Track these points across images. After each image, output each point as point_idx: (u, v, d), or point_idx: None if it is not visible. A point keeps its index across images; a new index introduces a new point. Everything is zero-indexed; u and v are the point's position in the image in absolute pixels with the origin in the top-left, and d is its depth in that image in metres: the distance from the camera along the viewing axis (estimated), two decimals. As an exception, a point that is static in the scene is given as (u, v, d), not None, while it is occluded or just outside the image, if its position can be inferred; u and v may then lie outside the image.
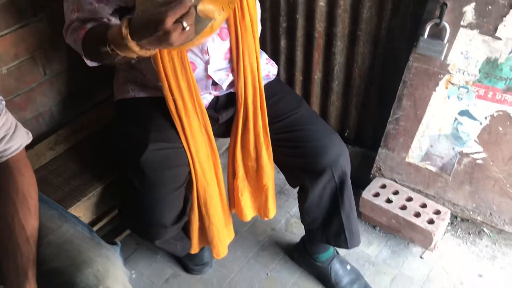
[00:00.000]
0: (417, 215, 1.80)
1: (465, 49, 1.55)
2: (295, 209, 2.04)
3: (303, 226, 1.72)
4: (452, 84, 1.63)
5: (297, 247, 1.85)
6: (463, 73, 1.59)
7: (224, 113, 1.48)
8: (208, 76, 1.40)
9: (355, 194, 1.60)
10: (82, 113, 1.71)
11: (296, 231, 1.96)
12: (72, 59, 1.61)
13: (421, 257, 1.85)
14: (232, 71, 1.42)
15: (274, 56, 2.01)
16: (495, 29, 1.48)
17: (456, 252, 1.85)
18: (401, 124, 1.80)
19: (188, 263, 1.82)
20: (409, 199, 1.86)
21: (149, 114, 1.42)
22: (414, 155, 1.84)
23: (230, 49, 1.38)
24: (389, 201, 1.85)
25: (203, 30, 0.97)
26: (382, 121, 1.87)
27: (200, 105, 1.38)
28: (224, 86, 1.43)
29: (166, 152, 1.38)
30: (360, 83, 1.89)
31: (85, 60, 1.27)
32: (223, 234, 1.58)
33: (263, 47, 1.99)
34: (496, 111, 1.61)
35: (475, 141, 1.69)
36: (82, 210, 1.43)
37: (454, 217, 1.93)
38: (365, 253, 1.87)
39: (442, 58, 1.59)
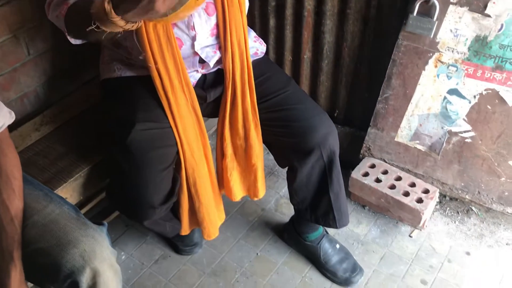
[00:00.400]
0: (406, 194, 1.81)
1: (454, 27, 1.54)
2: (284, 189, 2.04)
3: (292, 207, 1.72)
4: (442, 62, 1.62)
5: (286, 227, 1.85)
6: (452, 51, 1.59)
7: (212, 91, 1.46)
8: (195, 53, 1.38)
9: (344, 174, 1.60)
10: (68, 94, 1.68)
11: (286, 212, 1.96)
12: (57, 38, 1.57)
13: (410, 236, 1.86)
14: (220, 48, 1.40)
15: (263, 35, 1.99)
16: (485, 7, 1.47)
17: (444, 231, 1.87)
18: (391, 103, 1.79)
19: (178, 244, 1.82)
20: (398, 178, 1.87)
21: (136, 94, 1.40)
22: (403, 135, 1.84)
23: (217, 25, 1.36)
24: (378, 180, 1.85)
25: (187, 1, 0.96)
26: (371, 101, 1.87)
27: (187, 83, 1.36)
28: (212, 63, 1.41)
29: (153, 132, 1.36)
30: (349, 62, 1.88)
31: (69, 38, 1.24)
32: (213, 216, 1.58)
33: (252, 26, 1.96)
34: (485, 90, 1.61)
35: (464, 120, 1.69)
36: (69, 191, 1.42)
37: (442, 196, 1.94)
38: (354, 233, 1.88)
39: (432, 36, 1.58)
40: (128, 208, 1.46)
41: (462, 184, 1.83)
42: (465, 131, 1.71)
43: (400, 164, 1.91)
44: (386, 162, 1.93)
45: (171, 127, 1.38)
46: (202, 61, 1.41)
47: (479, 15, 1.49)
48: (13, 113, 1.15)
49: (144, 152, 1.35)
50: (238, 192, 1.64)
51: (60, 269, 1.05)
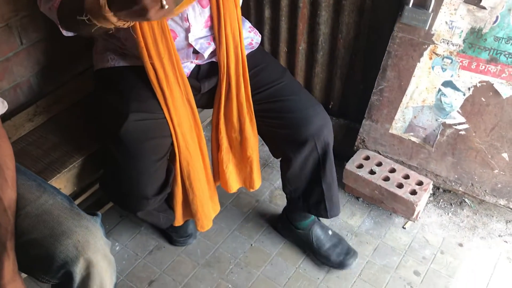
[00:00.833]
0: (400, 186, 1.81)
1: (449, 19, 1.54)
2: (279, 181, 2.03)
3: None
4: (437, 54, 1.62)
5: (280, 218, 1.85)
6: (447, 44, 1.59)
7: (206, 82, 1.46)
8: (189, 45, 1.37)
9: (339, 166, 1.61)
10: (62, 84, 1.67)
11: (280, 203, 1.96)
12: (50, 28, 1.56)
13: (403, 227, 1.87)
14: (214, 39, 1.40)
15: (258, 26, 1.98)
16: (480, -2, 1.47)
17: (437, 223, 1.88)
18: (385, 95, 1.79)
19: (172, 235, 1.82)
20: (392, 170, 1.87)
21: (129, 84, 1.39)
22: (397, 127, 1.84)
23: (211, 17, 1.36)
24: (372, 172, 1.86)
25: (182, 1, 0.95)
26: (366, 92, 1.87)
27: (182, 75, 1.36)
28: (206, 54, 1.40)
29: (147, 122, 1.36)
30: (344, 54, 1.87)
31: (61, 29, 1.23)
32: (207, 207, 1.58)
33: (247, 17, 1.95)
34: (479, 82, 1.61)
35: (458, 112, 1.70)
36: (63, 182, 1.41)
37: (436, 188, 1.95)
38: (348, 224, 1.88)
39: (427, 28, 1.58)
40: (121, 198, 1.46)
41: (456, 176, 1.84)
42: (459, 123, 1.72)
43: (394, 156, 1.91)
44: (380, 154, 1.93)
45: (165, 118, 1.37)
46: (196, 52, 1.41)
47: (475, 7, 1.49)
48: (5, 103, 1.14)
49: (138, 143, 1.35)
50: (234, 184, 1.64)
51: (54, 260, 1.05)
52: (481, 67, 1.58)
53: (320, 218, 1.77)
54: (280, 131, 1.51)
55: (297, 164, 1.53)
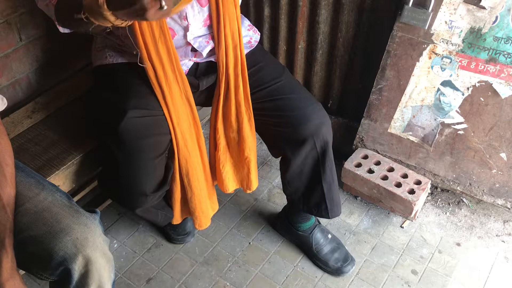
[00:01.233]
0: (398, 185, 1.82)
1: (449, 19, 1.54)
2: (277, 179, 2.04)
3: (285, 196, 1.72)
4: (436, 54, 1.62)
5: (279, 217, 1.86)
6: (446, 43, 1.59)
7: (204, 80, 1.45)
8: (188, 43, 1.37)
9: (337, 165, 1.60)
10: (61, 81, 1.67)
11: (279, 201, 1.96)
12: (49, 25, 1.56)
13: (401, 226, 1.87)
14: (213, 38, 1.39)
15: (257, 24, 1.98)
16: (480, -2, 1.47)
17: (435, 222, 1.88)
18: (384, 94, 1.79)
19: (170, 233, 1.82)
20: (391, 169, 1.87)
21: (128, 81, 1.39)
22: (396, 126, 1.84)
23: (210, 16, 1.35)
24: (370, 171, 1.86)
25: (180, 0, 0.95)
26: (365, 91, 1.87)
27: (180, 73, 1.35)
28: (204, 53, 1.40)
29: (145, 119, 1.35)
30: (344, 53, 1.87)
31: (57, 26, 1.23)
32: (205, 206, 1.58)
33: (246, 15, 1.95)
34: (478, 82, 1.61)
35: (457, 111, 1.70)
36: (62, 179, 1.41)
37: (434, 187, 1.96)
38: (346, 223, 1.89)
39: (426, 27, 1.58)
40: (120, 195, 1.45)
41: (454, 175, 1.84)
42: (457, 123, 1.72)
43: (392, 155, 1.91)
44: (378, 153, 1.93)
45: (164, 115, 1.37)
46: (194, 50, 1.40)
47: (474, 7, 1.49)
48: (5, 100, 1.14)
49: (136, 140, 1.34)
50: (230, 184, 1.63)
51: (52, 257, 1.05)
52: (480, 67, 1.58)
53: (320, 218, 1.77)
54: (279, 130, 1.51)
55: (297, 163, 1.53)
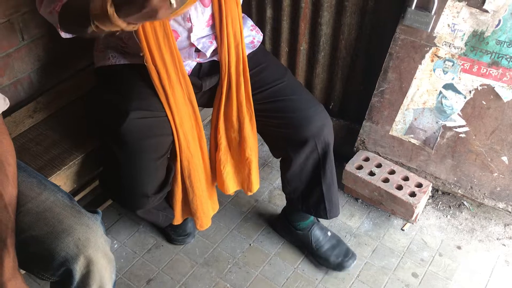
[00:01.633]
0: (399, 188, 1.82)
1: (452, 22, 1.54)
2: (278, 181, 2.04)
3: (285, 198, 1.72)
4: (438, 57, 1.62)
5: (279, 218, 1.85)
6: (449, 46, 1.59)
7: (207, 80, 1.45)
8: (191, 44, 1.37)
9: (338, 167, 1.60)
10: (62, 80, 1.67)
11: (279, 203, 1.96)
12: (52, 25, 1.53)
13: (402, 229, 1.87)
14: (216, 38, 1.39)
15: (259, 26, 1.97)
16: (483, 2, 1.47)
17: (436, 225, 1.88)
18: (386, 97, 1.79)
19: (171, 234, 1.82)
20: (392, 172, 1.87)
21: (130, 82, 1.39)
22: (398, 128, 1.84)
23: (213, 16, 1.35)
24: (371, 173, 1.86)
25: (186, 1, 0.95)
26: (367, 93, 1.87)
27: (184, 75, 1.36)
28: (208, 53, 1.40)
29: (148, 120, 1.35)
30: (346, 55, 1.87)
31: (60, 32, 1.22)
32: (206, 206, 1.58)
33: (248, 16, 1.94)
34: (480, 85, 1.61)
35: (459, 115, 1.70)
36: (63, 179, 1.41)
37: (435, 190, 1.96)
38: (347, 225, 1.88)
39: (429, 30, 1.58)
40: (121, 196, 1.45)
41: (455, 178, 1.84)
42: (459, 126, 1.72)
43: (394, 158, 1.91)
44: (380, 155, 1.93)
45: (166, 116, 1.37)
46: (197, 50, 1.40)
47: (477, 10, 1.49)
48: (7, 100, 1.14)
49: (138, 141, 1.34)
50: (231, 185, 1.63)
51: (54, 257, 1.04)
52: (483, 70, 1.58)
53: (319, 219, 1.77)
54: (280, 131, 1.51)
55: (297, 164, 1.53)
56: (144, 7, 0.89)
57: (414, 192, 1.80)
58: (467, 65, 1.59)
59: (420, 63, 1.66)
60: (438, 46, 1.60)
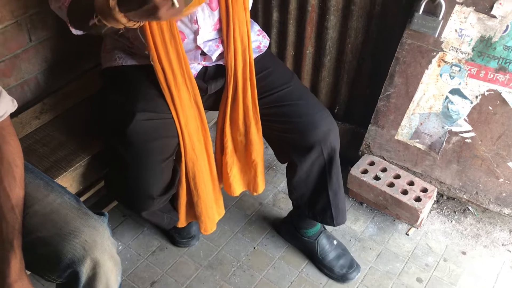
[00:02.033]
0: (404, 192, 1.81)
1: (459, 27, 1.54)
2: (283, 184, 2.04)
3: (290, 201, 1.72)
4: (445, 62, 1.62)
5: (284, 222, 1.85)
6: (456, 51, 1.58)
7: (213, 83, 1.45)
8: (197, 47, 1.37)
9: (343, 171, 1.60)
10: (69, 82, 1.67)
11: (284, 206, 1.96)
12: (59, 26, 1.56)
13: (406, 234, 1.87)
14: (222, 42, 1.39)
15: (265, 29, 1.97)
16: (491, 7, 1.47)
17: (441, 230, 1.88)
18: (392, 101, 1.79)
19: (175, 236, 1.81)
20: (397, 176, 1.87)
21: (137, 83, 1.39)
22: (403, 133, 1.84)
23: (220, 20, 1.35)
24: (377, 178, 1.86)
25: (191, 1, 0.95)
26: (372, 98, 1.87)
27: (190, 76, 1.36)
28: (214, 57, 1.40)
29: (154, 122, 1.35)
30: (352, 59, 1.87)
31: (70, 28, 1.23)
32: (211, 210, 1.57)
33: (254, 19, 1.94)
34: (487, 90, 1.61)
35: (465, 120, 1.70)
36: (69, 180, 1.41)
37: (440, 195, 1.95)
38: (352, 229, 1.88)
39: (436, 35, 1.58)
40: (126, 198, 1.45)
41: (460, 184, 1.83)
42: (465, 131, 1.72)
43: (399, 162, 1.91)
44: (385, 159, 1.93)
45: (172, 118, 1.37)
46: (203, 53, 1.40)
47: (485, 15, 1.49)
48: (15, 102, 1.14)
49: (144, 142, 1.34)
50: (237, 187, 1.63)
51: (61, 259, 1.04)
52: (490, 76, 1.58)
53: (326, 226, 1.76)
54: (286, 136, 1.51)
55: (303, 169, 1.53)
56: (145, 3, 0.89)
57: (419, 197, 1.80)
58: (474, 70, 1.59)
59: (427, 68, 1.66)
60: (445, 51, 1.60)
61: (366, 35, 1.79)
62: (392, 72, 1.73)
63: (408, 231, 1.87)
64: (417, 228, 1.88)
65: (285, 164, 1.65)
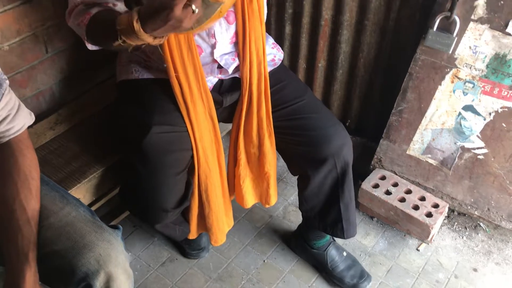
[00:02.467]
0: (416, 207, 1.81)
1: (473, 44, 1.54)
2: (293, 197, 2.04)
3: (301, 214, 1.72)
4: (459, 78, 1.62)
5: (294, 234, 1.85)
6: (470, 68, 1.58)
7: (228, 96, 1.46)
8: (214, 60, 1.38)
9: (354, 184, 1.60)
10: (84, 93, 1.68)
11: (294, 219, 1.95)
12: (75, 38, 1.57)
13: (417, 249, 1.86)
14: (238, 55, 1.40)
15: (278, 41, 1.98)
16: (506, 25, 1.47)
17: (452, 246, 1.86)
18: (404, 116, 1.79)
19: (185, 247, 1.82)
20: (408, 191, 1.86)
21: (153, 96, 1.40)
22: (415, 148, 1.83)
23: (236, 33, 1.36)
24: (388, 192, 1.85)
25: (212, 15, 0.96)
26: (384, 112, 1.87)
27: (206, 90, 1.36)
28: (230, 70, 1.41)
29: (169, 135, 1.36)
30: (364, 73, 1.87)
31: (86, 44, 1.24)
32: (222, 222, 1.58)
33: (267, 32, 1.95)
34: (501, 108, 1.60)
35: (478, 136, 1.69)
36: (82, 192, 1.42)
37: (451, 210, 1.94)
38: (362, 244, 1.87)
39: (450, 52, 1.57)
40: (140, 210, 1.46)
41: (472, 200, 1.82)
42: (478, 148, 1.71)
43: (410, 177, 1.90)
44: (396, 174, 1.92)
45: (187, 131, 1.38)
46: (220, 66, 1.41)
47: (500, 33, 1.48)
48: (33, 114, 1.15)
49: (159, 155, 1.35)
50: (250, 199, 1.64)
51: (75, 272, 1.05)
52: (504, 93, 1.57)
53: (335, 238, 1.76)
54: (299, 148, 1.51)
55: (316, 182, 1.53)
56: (168, 19, 0.91)
57: (430, 212, 1.79)
58: (488, 87, 1.59)
59: (440, 84, 1.66)
60: (459, 68, 1.60)
61: (379, 50, 1.79)
62: (405, 87, 1.73)
63: (418, 246, 1.86)
64: (428, 244, 1.87)
65: (296, 177, 1.65)
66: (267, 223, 1.95)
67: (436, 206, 1.82)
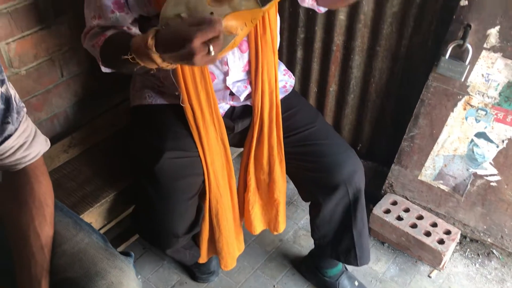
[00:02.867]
0: (427, 234, 1.79)
1: (486, 72, 1.54)
2: (303, 220, 2.03)
3: (311, 239, 1.70)
4: (471, 105, 1.62)
5: (305, 260, 1.83)
6: (482, 96, 1.58)
7: (240, 123, 1.47)
8: (226, 87, 1.40)
9: (365, 208, 1.59)
10: (97, 116, 1.70)
11: (304, 244, 1.94)
12: (90, 62, 1.60)
13: (429, 276, 1.83)
14: (250, 83, 1.41)
15: (289, 66, 2.00)
16: (519, 53, 1.47)
17: (464, 273, 1.84)
18: (416, 142, 1.79)
19: (195, 271, 1.81)
20: (420, 217, 1.85)
21: (166, 122, 1.41)
22: (427, 174, 1.83)
23: (249, 62, 1.38)
24: (399, 218, 1.84)
25: (226, 47, 0.97)
26: (395, 137, 1.86)
27: (218, 116, 1.37)
28: (242, 97, 1.42)
29: (181, 160, 1.37)
30: (376, 98, 1.88)
31: (100, 65, 1.26)
32: (232, 246, 1.57)
33: (279, 56, 1.96)
34: (514, 135, 1.60)
35: (491, 163, 1.68)
36: (95, 216, 1.42)
37: (463, 237, 1.92)
38: (373, 270, 1.86)
39: (462, 80, 1.58)
40: (152, 235, 1.46)
41: (485, 227, 1.81)
42: (490, 175, 1.70)
43: (422, 203, 1.89)
44: (408, 199, 1.91)
45: (199, 156, 1.39)
46: (232, 93, 1.42)
47: (512, 62, 1.49)
48: (48, 141, 1.16)
49: (172, 181, 1.35)
50: (258, 225, 1.63)
51: (87, 300, 1.05)
52: (517, 121, 1.57)
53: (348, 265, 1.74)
54: (311, 175, 1.51)
55: (328, 209, 1.52)
56: (183, 47, 0.90)
57: (442, 239, 1.77)
58: (501, 115, 1.58)
59: (452, 111, 1.66)
60: (471, 95, 1.60)
61: (391, 76, 1.80)
62: (417, 113, 1.73)
63: (430, 273, 1.84)
64: (440, 271, 1.84)
65: (306, 201, 1.65)
66: (277, 247, 1.94)
67: (448, 232, 1.80)
